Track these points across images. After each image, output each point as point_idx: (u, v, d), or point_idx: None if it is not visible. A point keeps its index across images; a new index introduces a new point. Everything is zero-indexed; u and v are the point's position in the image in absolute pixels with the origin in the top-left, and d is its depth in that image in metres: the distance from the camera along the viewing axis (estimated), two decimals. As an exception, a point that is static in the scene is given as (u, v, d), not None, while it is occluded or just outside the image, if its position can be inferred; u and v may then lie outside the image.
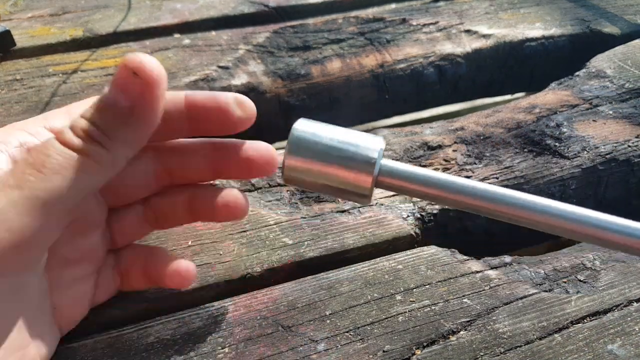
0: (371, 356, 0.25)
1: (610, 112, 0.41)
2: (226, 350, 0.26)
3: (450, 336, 0.26)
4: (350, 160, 0.22)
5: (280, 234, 0.32)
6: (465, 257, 0.31)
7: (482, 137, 0.39)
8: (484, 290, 0.29)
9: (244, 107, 0.24)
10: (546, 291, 0.29)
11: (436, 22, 0.54)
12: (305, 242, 0.31)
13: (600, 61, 0.47)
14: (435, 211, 0.34)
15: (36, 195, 0.19)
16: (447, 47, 0.52)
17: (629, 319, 0.27)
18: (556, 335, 0.26)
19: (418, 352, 0.26)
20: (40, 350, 0.23)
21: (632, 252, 0.22)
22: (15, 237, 0.19)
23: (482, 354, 0.25)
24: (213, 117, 0.24)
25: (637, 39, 0.51)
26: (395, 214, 0.33)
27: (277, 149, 0.44)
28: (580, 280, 0.29)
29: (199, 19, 0.54)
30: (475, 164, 0.37)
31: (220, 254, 0.31)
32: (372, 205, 0.34)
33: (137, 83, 0.20)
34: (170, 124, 0.24)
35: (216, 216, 0.27)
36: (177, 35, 0.52)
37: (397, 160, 0.38)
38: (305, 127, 0.23)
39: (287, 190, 0.35)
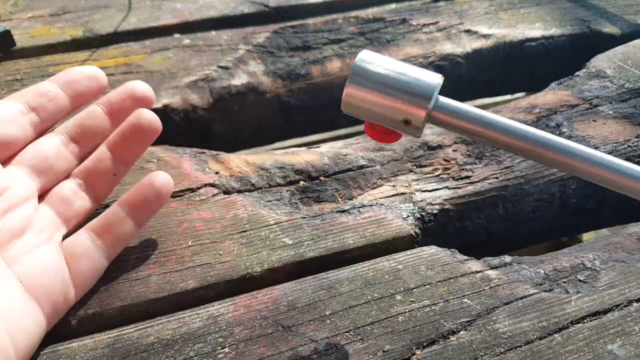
0: (371, 356, 0.25)
1: (610, 112, 0.41)
2: (226, 350, 0.26)
3: (450, 336, 0.26)
4: (407, 92, 0.23)
5: (280, 234, 0.32)
6: (465, 257, 0.31)
7: (482, 137, 0.39)
8: (484, 290, 0.29)
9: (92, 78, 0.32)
10: (546, 291, 0.29)
11: (436, 22, 0.54)
12: (305, 242, 0.31)
13: (600, 61, 0.47)
14: (435, 211, 0.34)
15: None
16: (447, 47, 0.52)
17: (629, 319, 0.27)
18: (556, 335, 0.26)
19: (418, 352, 0.26)
20: (19, 339, 0.24)
21: None
22: None
23: (482, 354, 0.25)
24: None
25: (637, 39, 0.50)
26: (395, 214, 0.33)
27: (277, 149, 0.44)
28: (580, 280, 0.29)
29: (199, 19, 0.54)
30: (475, 163, 0.37)
31: (220, 254, 0.31)
32: (372, 205, 0.34)
33: None
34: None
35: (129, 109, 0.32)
36: (177, 35, 0.52)
37: (396, 159, 0.38)
38: (367, 58, 0.24)
39: (287, 191, 0.35)
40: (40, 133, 0.31)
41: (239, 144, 0.50)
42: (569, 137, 0.39)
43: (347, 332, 0.26)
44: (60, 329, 0.27)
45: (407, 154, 0.38)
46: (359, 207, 0.34)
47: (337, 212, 0.34)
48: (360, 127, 0.63)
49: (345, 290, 0.29)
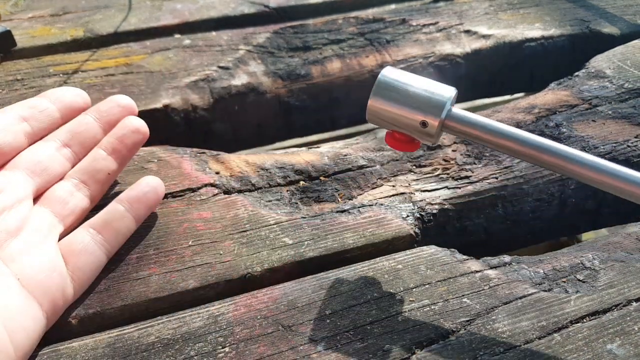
0: (371, 356, 0.25)
1: (610, 112, 0.41)
2: (226, 349, 0.26)
3: (450, 336, 0.26)
4: (423, 103, 0.26)
5: (280, 234, 0.32)
6: (464, 257, 0.31)
7: (481, 137, 0.39)
8: (483, 289, 0.29)
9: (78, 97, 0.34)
10: (545, 291, 0.29)
11: (436, 23, 0.54)
12: (306, 242, 0.31)
13: (600, 61, 0.47)
14: (434, 211, 0.34)
15: None
16: (447, 48, 0.52)
17: (628, 318, 0.27)
18: (555, 334, 0.26)
19: (418, 351, 0.26)
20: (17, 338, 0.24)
21: None
22: None
23: (481, 353, 0.26)
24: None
25: (636, 39, 0.51)
26: (394, 214, 0.34)
27: (277, 149, 0.44)
28: (579, 280, 0.29)
29: (199, 19, 0.55)
30: (474, 163, 0.37)
31: (221, 254, 0.31)
32: (372, 205, 0.34)
33: None
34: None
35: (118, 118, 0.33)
36: (177, 36, 0.52)
37: (396, 159, 0.38)
38: (389, 74, 0.27)
39: (287, 190, 0.36)
40: (33, 141, 0.32)
41: (239, 144, 0.50)
42: (568, 137, 0.39)
43: (347, 331, 0.27)
44: (61, 329, 0.27)
45: (406, 154, 0.38)
46: (358, 207, 0.34)
47: (337, 212, 0.34)
48: (360, 128, 0.63)
49: (345, 289, 0.29)
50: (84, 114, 0.33)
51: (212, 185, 0.35)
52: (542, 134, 0.39)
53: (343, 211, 0.34)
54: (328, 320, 0.27)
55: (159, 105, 0.43)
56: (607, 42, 0.52)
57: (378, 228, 0.32)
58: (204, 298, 0.29)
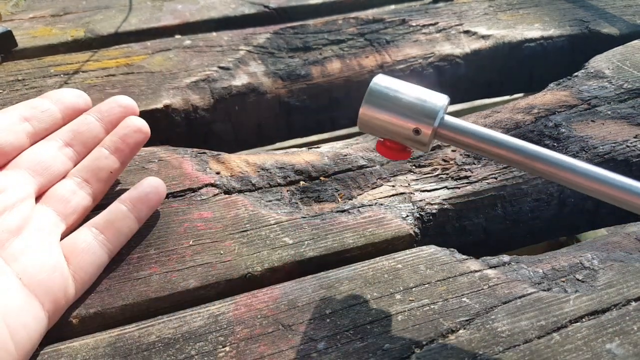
0: (371, 355, 0.26)
1: (609, 113, 0.41)
2: (227, 349, 0.26)
3: (449, 335, 0.26)
4: (415, 111, 0.25)
5: (280, 234, 0.32)
6: (464, 257, 0.31)
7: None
8: (482, 289, 0.29)
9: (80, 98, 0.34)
10: (544, 290, 0.29)
11: (435, 23, 0.54)
12: (306, 242, 0.32)
13: (599, 62, 0.48)
14: (434, 211, 0.34)
15: None
16: (447, 48, 0.52)
17: (627, 318, 0.27)
18: (555, 334, 0.26)
19: (417, 350, 0.26)
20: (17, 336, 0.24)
21: None
22: None
23: (480, 352, 0.26)
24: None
25: (635, 39, 0.51)
26: (394, 214, 0.34)
27: (277, 149, 0.44)
28: (578, 280, 0.29)
29: (199, 19, 0.55)
30: (474, 164, 0.38)
31: (221, 254, 0.31)
32: (371, 205, 0.34)
33: None
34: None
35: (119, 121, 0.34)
36: (178, 36, 0.52)
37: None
38: (381, 82, 0.26)
39: (288, 190, 0.36)
40: (34, 141, 0.32)
41: (239, 144, 0.50)
42: (568, 137, 0.39)
43: (347, 331, 0.27)
44: (62, 328, 0.27)
45: (406, 154, 0.38)
46: (358, 207, 0.34)
47: (337, 212, 0.34)
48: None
49: (345, 289, 0.29)
50: (86, 114, 0.33)
51: (212, 185, 0.35)
52: (541, 134, 0.39)
53: (343, 211, 0.34)
54: (328, 320, 0.27)
55: (159, 105, 0.43)
56: (607, 43, 0.52)
57: (378, 228, 0.33)
58: (205, 297, 0.29)
